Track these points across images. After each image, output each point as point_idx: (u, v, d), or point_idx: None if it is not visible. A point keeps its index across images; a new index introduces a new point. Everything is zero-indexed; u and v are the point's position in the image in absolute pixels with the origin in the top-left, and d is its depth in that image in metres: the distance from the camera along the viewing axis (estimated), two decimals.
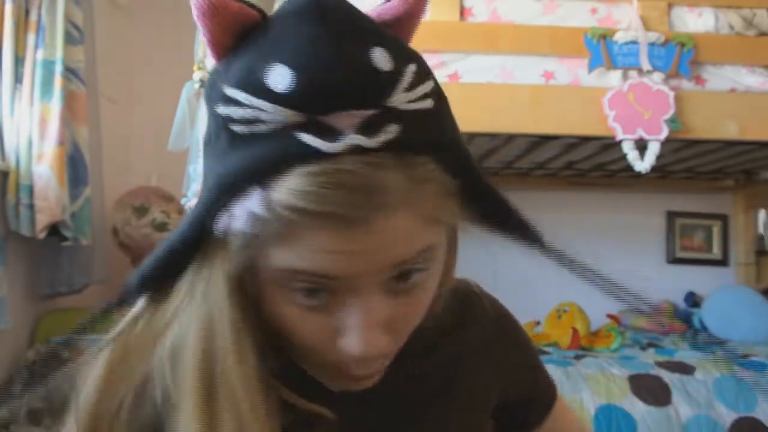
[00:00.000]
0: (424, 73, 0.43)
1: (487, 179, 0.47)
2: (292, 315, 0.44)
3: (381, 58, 0.40)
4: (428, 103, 0.43)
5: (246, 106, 0.40)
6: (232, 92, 0.41)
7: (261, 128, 0.40)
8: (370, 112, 0.39)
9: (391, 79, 0.40)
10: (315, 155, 0.39)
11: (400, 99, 0.40)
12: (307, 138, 0.39)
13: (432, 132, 0.42)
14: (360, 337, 0.43)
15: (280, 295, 0.44)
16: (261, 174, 0.40)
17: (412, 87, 0.41)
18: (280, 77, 0.39)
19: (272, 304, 0.45)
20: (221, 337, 0.44)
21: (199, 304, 0.45)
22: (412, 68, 0.42)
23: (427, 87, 0.43)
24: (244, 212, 0.41)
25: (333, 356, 0.45)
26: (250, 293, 0.45)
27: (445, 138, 0.44)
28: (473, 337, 0.61)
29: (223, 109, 0.41)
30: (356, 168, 0.39)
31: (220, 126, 0.42)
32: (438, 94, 0.45)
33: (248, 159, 0.40)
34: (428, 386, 0.58)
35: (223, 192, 0.41)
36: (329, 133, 0.39)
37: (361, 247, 0.40)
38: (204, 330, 0.45)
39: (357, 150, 0.39)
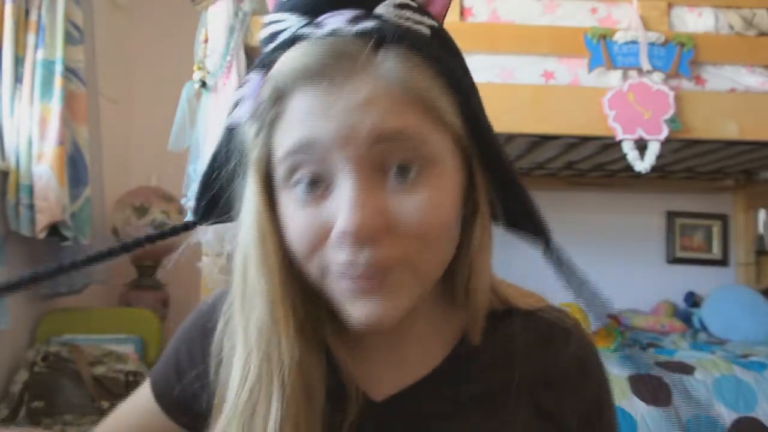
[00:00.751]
0: (425, 13, 0.49)
1: (500, 151, 0.51)
2: (294, 215, 0.48)
3: None
4: (422, 29, 0.48)
5: (271, 21, 0.50)
6: (268, 17, 0.51)
7: (279, 40, 0.49)
8: (356, 12, 0.46)
9: None
10: (303, 39, 0.47)
11: (386, 9, 0.47)
12: (303, 29, 0.47)
13: (420, 43, 0.46)
14: (349, 209, 0.44)
15: (286, 197, 0.48)
16: (264, 63, 0.48)
17: (402, 6, 0.48)
18: None
19: (282, 212, 0.49)
20: (248, 233, 0.51)
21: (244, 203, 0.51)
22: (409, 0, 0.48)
23: (424, 20, 0.49)
24: (249, 97, 0.48)
25: (329, 256, 0.47)
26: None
27: (442, 60, 0.47)
28: (544, 367, 0.59)
29: (260, 33, 0.51)
30: (331, 41, 0.45)
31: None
32: (443, 39, 0.51)
33: (259, 58, 0.50)
34: (480, 400, 0.57)
35: (239, 87, 0.50)
36: (321, 27, 0.46)
37: (336, 106, 0.44)
38: (241, 227, 0.52)
39: (337, 33, 0.46)
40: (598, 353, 0.63)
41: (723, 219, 3.21)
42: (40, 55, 1.95)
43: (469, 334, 0.56)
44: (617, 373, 1.93)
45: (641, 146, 1.85)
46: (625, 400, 1.86)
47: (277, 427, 0.49)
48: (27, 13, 1.97)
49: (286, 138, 0.46)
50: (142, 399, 0.67)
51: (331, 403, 0.53)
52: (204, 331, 0.61)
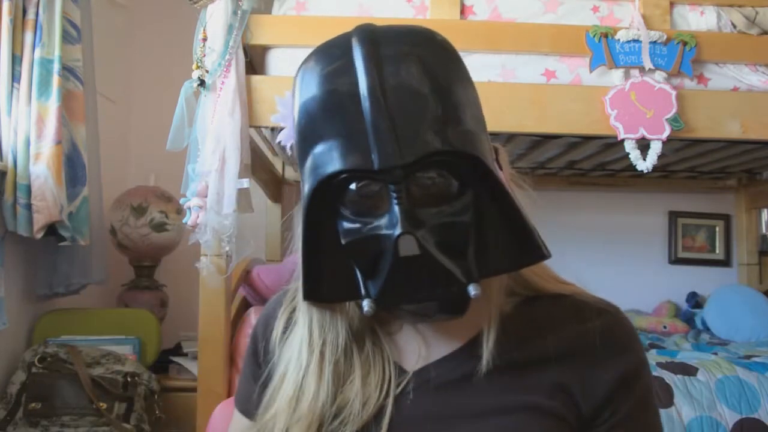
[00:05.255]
0: None
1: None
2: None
3: None
4: None
5: None
6: None
7: None
8: None
9: None
10: None
11: None
12: None
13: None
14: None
15: None
16: None
17: None
18: None
19: None
20: None
21: None
22: None
23: None
24: None
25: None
26: None
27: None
28: (567, 337, 0.65)
29: None
30: None
31: None
32: None
33: None
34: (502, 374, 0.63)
35: None
36: None
37: None
38: None
39: None
40: (632, 329, 0.66)
41: (726, 219, 3.20)
42: (38, 53, 1.94)
43: (484, 321, 0.64)
44: None
45: (643, 145, 1.84)
46: None
47: (329, 400, 0.63)
48: (24, 11, 1.95)
49: None
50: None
51: (374, 373, 0.64)
52: (265, 331, 0.75)
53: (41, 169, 1.89)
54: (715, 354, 2.19)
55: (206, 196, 1.70)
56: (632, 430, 0.63)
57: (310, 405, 0.63)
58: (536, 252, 0.59)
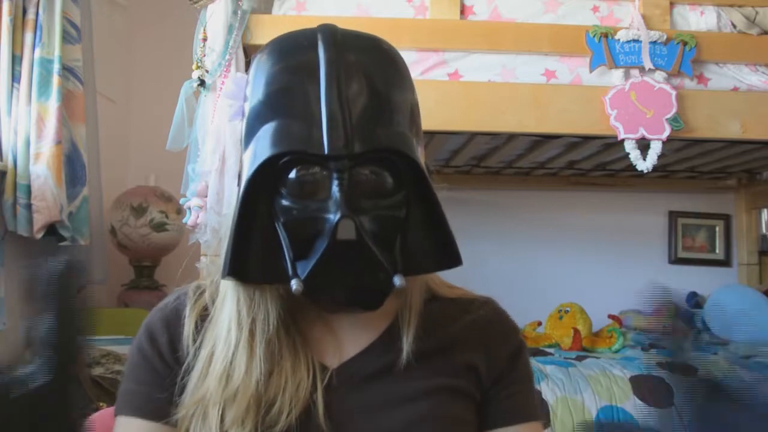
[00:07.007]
0: None
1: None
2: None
3: None
4: None
5: None
6: None
7: None
8: None
9: None
10: None
11: None
12: None
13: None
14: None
15: None
16: None
17: None
18: None
19: None
20: None
21: None
22: None
23: None
24: None
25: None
26: None
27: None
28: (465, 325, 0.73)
29: None
30: None
31: None
32: None
33: None
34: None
35: None
36: None
37: None
38: None
39: None
40: (509, 315, 0.77)
41: (725, 219, 3.20)
42: (38, 53, 1.94)
43: (401, 315, 0.69)
44: (619, 374, 1.92)
45: (643, 145, 1.84)
46: (626, 401, 1.84)
47: (262, 378, 0.62)
48: (24, 11, 1.95)
49: None
50: None
51: (303, 363, 0.65)
52: (168, 330, 0.72)
53: (41, 169, 1.89)
54: (715, 354, 2.19)
55: (206, 196, 1.70)
56: (522, 393, 0.73)
57: (243, 381, 0.63)
58: (454, 258, 0.63)
